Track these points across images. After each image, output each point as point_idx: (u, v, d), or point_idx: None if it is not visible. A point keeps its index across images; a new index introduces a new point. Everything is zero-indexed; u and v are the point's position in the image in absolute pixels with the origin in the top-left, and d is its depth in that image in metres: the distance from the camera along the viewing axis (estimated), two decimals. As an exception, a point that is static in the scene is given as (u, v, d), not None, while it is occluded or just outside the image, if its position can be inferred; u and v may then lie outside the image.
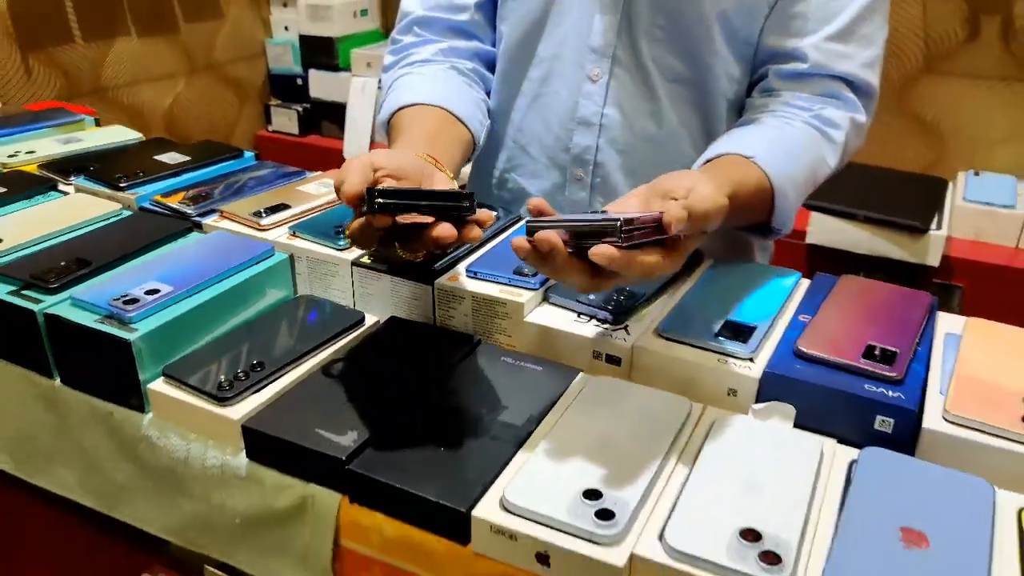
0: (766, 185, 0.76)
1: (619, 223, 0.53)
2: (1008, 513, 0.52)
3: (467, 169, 1.06)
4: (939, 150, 1.71)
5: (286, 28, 2.36)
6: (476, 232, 0.60)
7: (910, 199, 1.48)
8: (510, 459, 0.57)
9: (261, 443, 0.61)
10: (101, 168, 0.98)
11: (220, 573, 0.69)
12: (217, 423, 0.63)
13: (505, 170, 1.01)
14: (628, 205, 0.63)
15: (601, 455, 0.57)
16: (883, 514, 0.51)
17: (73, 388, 0.71)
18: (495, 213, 0.88)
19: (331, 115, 2.28)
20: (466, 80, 0.95)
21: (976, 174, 1.61)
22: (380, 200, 0.56)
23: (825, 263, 1.45)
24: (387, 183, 0.62)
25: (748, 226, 0.83)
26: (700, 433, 0.60)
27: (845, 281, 0.75)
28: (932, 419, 0.58)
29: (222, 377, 0.65)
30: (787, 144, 0.80)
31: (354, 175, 0.59)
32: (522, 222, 0.88)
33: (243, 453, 0.62)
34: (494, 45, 0.99)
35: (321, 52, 2.28)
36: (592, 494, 0.52)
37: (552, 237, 0.55)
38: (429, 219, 0.59)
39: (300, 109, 2.32)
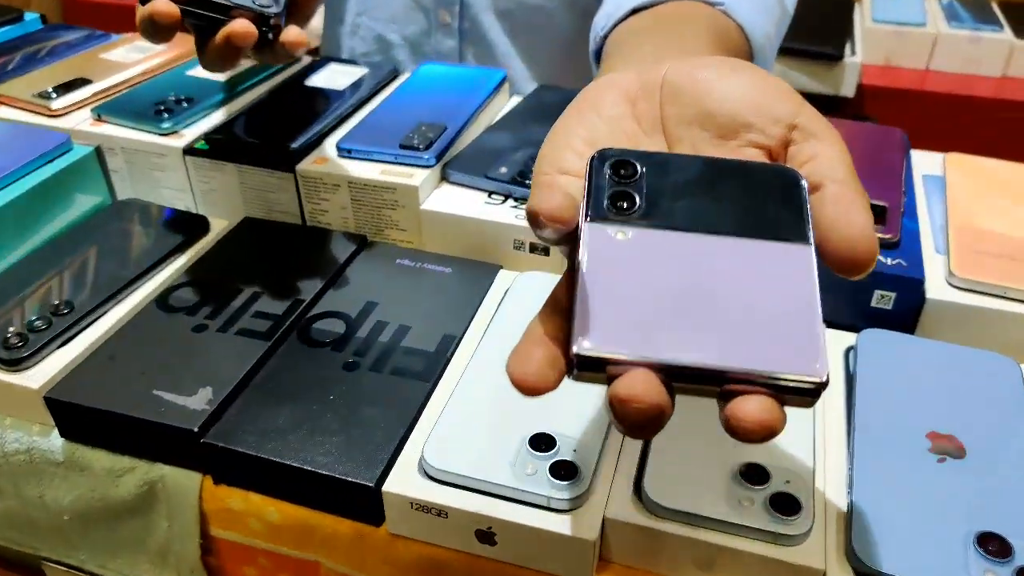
0: (745, 51, 0.53)
1: None
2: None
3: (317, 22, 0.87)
4: (843, -33, 1.59)
5: None
6: (294, 35, 0.48)
7: (820, 24, 1.36)
8: (424, 404, 0.43)
9: (77, 418, 0.44)
10: None
11: (63, 569, 0.53)
12: (12, 394, 0.45)
13: (358, 13, 0.82)
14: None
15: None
16: (902, 418, 0.40)
17: None
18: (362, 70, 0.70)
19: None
20: None
21: (881, -9, 1.50)
22: None
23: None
24: None
25: None
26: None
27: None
28: (936, 287, 0.47)
29: (10, 330, 0.47)
30: None
31: None
32: (399, 79, 0.70)
33: (55, 432, 0.46)
34: None
35: None
36: (541, 442, 0.39)
37: None
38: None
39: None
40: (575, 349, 0.26)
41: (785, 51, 1.32)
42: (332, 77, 0.69)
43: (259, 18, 0.47)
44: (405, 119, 0.61)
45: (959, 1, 1.52)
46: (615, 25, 0.52)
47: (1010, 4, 1.50)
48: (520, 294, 0.50)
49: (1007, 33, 1.39)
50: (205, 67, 0.49)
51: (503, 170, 0.57)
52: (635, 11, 0.51)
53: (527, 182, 0.55)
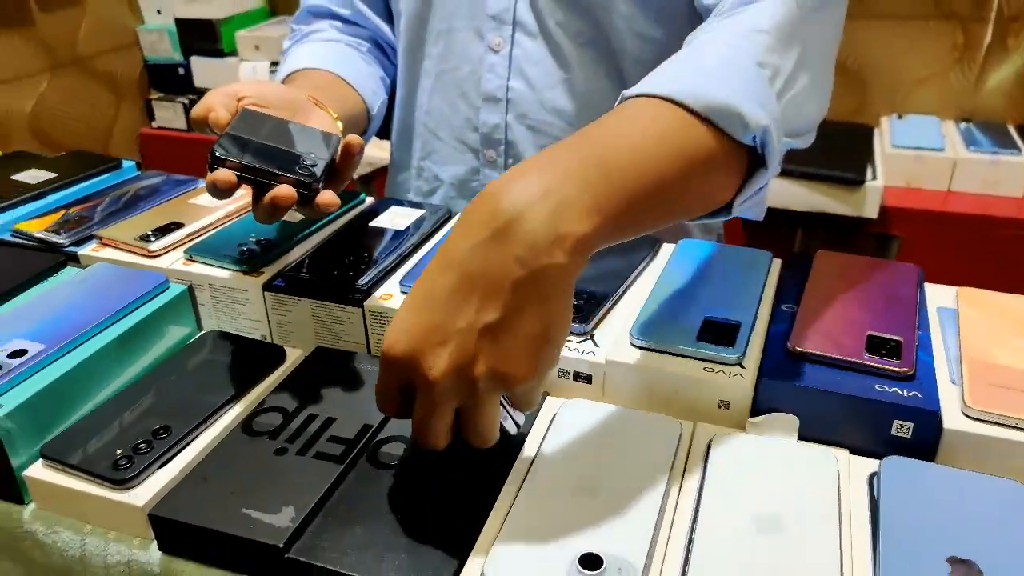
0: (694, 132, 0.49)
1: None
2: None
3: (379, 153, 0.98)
4: (861, 95, 1.69)
5: (159, 12, 2.15)
6: (327, 198, 0.60)
7: (841, 150, 1.44)
8: (483, 522, 0.48)
9: (176, 533, 0.50)
10: (-55, 196, 0.82)
11: None
12: (117, 511, 0.51)
13: (421, 158, 0.92)
14: None
15: (590, 504, 0.48)
16: (925, 544, 0.44)
17: (-71, 480, 0.57)
18: (421, 212, 0.78)
19: (221, 104, 2.09)
20: (361, 56, 0.90)
21: (899, 117, 1.59)
22: (216, 152, 0.57)
23: (765, 224, 1.41)
24: (248, 105, 0.64)
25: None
26: (697, 458, 0.52)
27: (821, 259, 0.68)
28: (952, 417, 0.51)
29: (118, 452, 0.53)
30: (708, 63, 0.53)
31: (218, 105, 0.61)
32: (454, 219, 0.78)
33: (154, 545, 0.51)
34: (392, 34, 0.93)
35: (202, 36, 2.08)
36: (590, 561, 0.44)
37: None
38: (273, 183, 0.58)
39: (185, 101, 2.12)
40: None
41: (809, 176, 1.40)
42: (393, 218, 0.77)
43: (299, 183, 0.58)
44: (461, 258, 0.68)
45: (976, 126, 1.59)
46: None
47: (1026, 128, 1.58)
48: (564, 421, 0.55)
49: (1025, 156, 1.45)
50: (257, 219, 0.60)
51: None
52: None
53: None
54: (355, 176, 1.82)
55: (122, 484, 0.51)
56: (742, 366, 0.56)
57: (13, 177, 0.86)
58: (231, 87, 0.65)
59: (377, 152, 1.78)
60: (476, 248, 0.42)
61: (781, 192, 1.37)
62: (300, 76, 0.82)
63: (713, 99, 0.49)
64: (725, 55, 0.53)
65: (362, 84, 0.85)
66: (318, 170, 0.59)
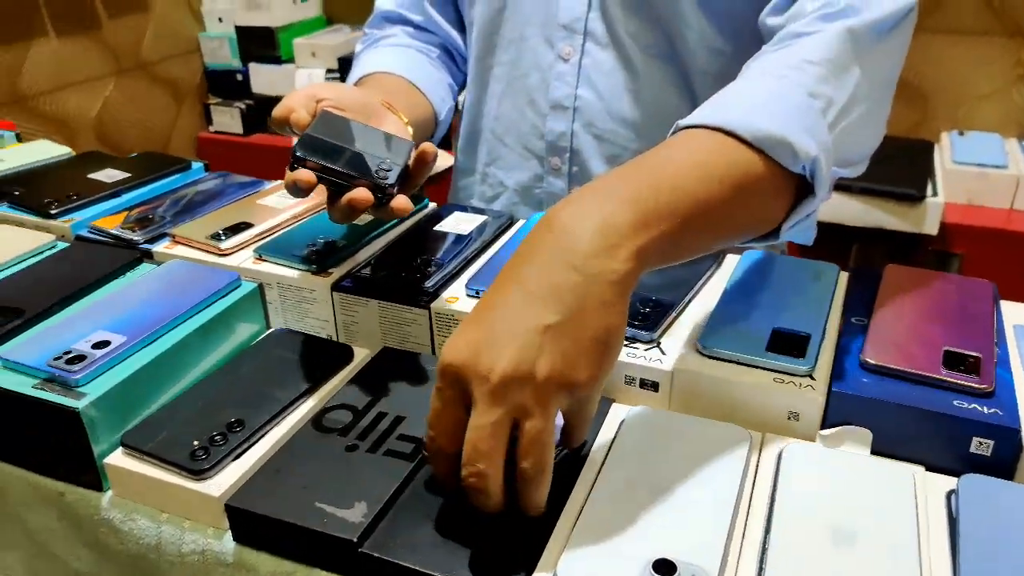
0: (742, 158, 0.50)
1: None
2: None
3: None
4: (922, 110, 1.66)
5: (220, 19, 2.20)
6: (401, 203, 0.61)
7: (900, 165, 1.42)
8: (554, 524, 0.48)
9: (251, 524, 0.51)
10: (27, 192, 0.85)
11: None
12: (194, 501, 0.52)
13: (486, 163, 0.94)
14: None
15: (662, 510, 0.48)
16: (1007, 564, 0.43)
17: (13, 465, 0.60)
18: (483, 217, 0.79)
19: (277, 110, 2.13)
20: (431, 62, 0.91)
21: (961, 134, 1.56)
22: (298, 152, 0.58)
23: (823, 239, 1.39)
24: (327, 107, 0.66)
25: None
26: (767, 469, 0.52)
27: (892, 273, 0.67)
28: (1033, 435, 0.50)
29: (195, 443, 0.54)
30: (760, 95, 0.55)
31: (299, 106, 0.64)
32: (516, 225, 0.79)
33: (228, 535, 0.52)
34: (462, 41, 0.95)
35: (261, 43, 2.13)
36: (664, 567, 0.44)
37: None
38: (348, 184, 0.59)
39: (243, 106, 2.17)
40: None
41: (867, 191, 1.38)
42: (457, 223, 0.78)
43: (376, 187, 0.59)
44: (526, 263, 0.69)
45: (1040, 143, 1.56)
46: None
47: (1092, 146, 1.54)
48: (633, 428, 0.55)
49: (1091, 175, 1.41)
50: (332, 219, 0.61)
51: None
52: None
53: (636, 323, 0.61)
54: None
55: (199, 474, 0.52)
56: (812, 377, 0.55)
57: (90, 176, 0.89)
58: (310, 89, 0.67)
59: (430, 159, 1.80)
60: (534, 266, 0.45)
61: (837, 207, 1.35)
62: (373, 80, 0.84)
63: (764, 129, 0.50)
64: (777, 86, 0.55)
65: (431, 90, 0.86)
66: (393, 175, 0.60)
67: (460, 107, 0.98)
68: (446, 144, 1.82)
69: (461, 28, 0.94)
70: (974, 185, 1.42)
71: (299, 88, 0.69)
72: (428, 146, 0.63)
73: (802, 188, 0.55)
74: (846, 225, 1.35)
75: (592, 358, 0.43)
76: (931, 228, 1.33)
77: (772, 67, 0.57)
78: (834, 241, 1.37)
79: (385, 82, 0.83)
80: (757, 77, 0.57)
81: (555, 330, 0.42)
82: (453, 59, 0.96)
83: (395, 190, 0.61)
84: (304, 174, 0.58)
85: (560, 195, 0.89)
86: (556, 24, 0.82)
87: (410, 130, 0.73)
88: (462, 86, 0.97)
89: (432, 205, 0.84)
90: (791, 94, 0.54)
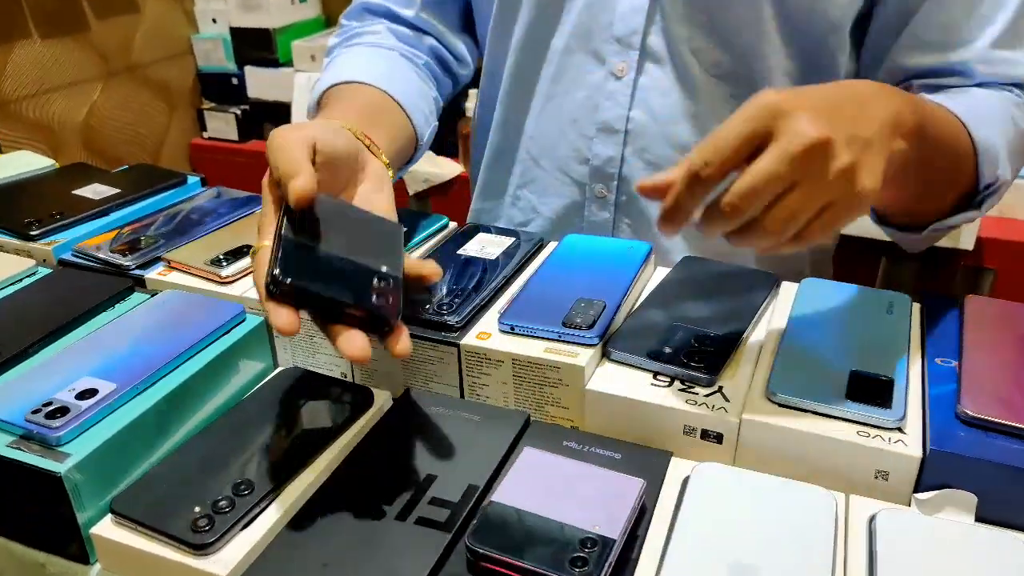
0: (966, 141, 0.62)
1: None
2: None
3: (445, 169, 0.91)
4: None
5: (214, 20, 2.12)
6: (402, 346, 0.49)
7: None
8: (621, 613, 0.41)
9: (262, 610, 0.44)
10: (4, 211, 0.78)
11: None
12: (195, 580, 0.45)
13: (519, 186, 0.85)
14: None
15: (747, 596, 0.41)
16: None
17: (-13, 531, 0.52)
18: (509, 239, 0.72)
19: (273, 116, 2.05)
20: (416, 71, 0.80)
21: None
22: (283, 285, 0.47)
23: (851, 254, 1.32)
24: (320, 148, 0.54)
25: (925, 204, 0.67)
26: (858, 539, 0.45)
27: (973, 305, 0.60)
28: None
29: (196, 509, 0.47)
30: (980, 107, 0.65)
31: (309, 174, 0.50)
32: (546, 249, 0.72)
33: (237, 622, 0.45)
34: (463, 46, 0.86)
35: (257, 46, 2.05)
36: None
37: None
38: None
39: (238, 112, 2.09)
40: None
41: (897, 203, 1.31)
42: (483, 247, 0.71)
43: (374, 320, 0.49)
44: (563, 293, 0.61)
45: (1069, 151, 1.50)
46: None
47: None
48: (699, 488, 0.48)
49: (1125, 186, 1.35)
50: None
51: (667, 350, 0.56)
52: None
53: (693, 364, 0.54)
54: (410, 193, 1.78)
55: (202, 549, 0.45)
56: (902, 431, 0.49)
57: (75, 192, 0.82)
58: (304, 133, 0.54)
59: (432, 168, 1.72)
60: (855, 102, 0.48)
61: (866, 221, 1.28)
62: (347, 91, 0.72)
63: (985, 137, 0.62)
64: (994, 104, 0.66)
65: (414, 107, 0.74)
66: (392, 300, 0.50)
67: (468, 113, 0.89)
68: (446, 145, 1.75)
69: (461, 30, 0.85)
70: (1008, 197, 1.35)
71: (294, 120, 0.59)
72: (432, 271, 0.55)
73: (964, 203, 0.66)
74: (875, 239, 1.29)
75: (879, 180, 0.46)
76: (967, 243, 1.27)
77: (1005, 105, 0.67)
78: (862, 254, 1.31)
79: (361, 96, 0.71)
80: (997, 103, 0.67)
81: (867, 142, 0.46)
82: (444, 66, 0.86)
83: (397, 321, 0.50)
84: (287, 316, 0.46)
85: (604, 227, 0.80)
86: (608, 36, 0.73)
87: (390, 173, 0.62)
88: (449, 98, 0.88)
89: (452, 225, 0.77)
90: (1004, 117, 0.65)
